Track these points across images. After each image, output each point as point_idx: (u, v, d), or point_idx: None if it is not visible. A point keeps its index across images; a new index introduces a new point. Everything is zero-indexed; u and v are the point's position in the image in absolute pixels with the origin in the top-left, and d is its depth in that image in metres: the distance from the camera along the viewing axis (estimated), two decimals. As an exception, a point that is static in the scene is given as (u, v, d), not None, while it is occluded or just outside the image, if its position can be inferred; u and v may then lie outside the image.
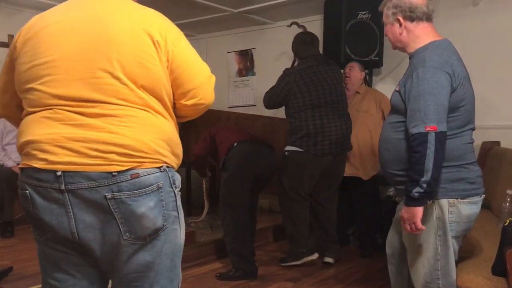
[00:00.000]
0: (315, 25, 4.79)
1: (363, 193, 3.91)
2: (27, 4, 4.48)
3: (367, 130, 3.79)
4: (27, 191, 1.36)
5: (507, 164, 3.09)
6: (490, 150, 3.50)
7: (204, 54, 5.73)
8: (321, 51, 4.52)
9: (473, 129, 1.96)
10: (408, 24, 1.95)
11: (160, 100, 1.40)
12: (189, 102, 1.46)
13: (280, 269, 3.52)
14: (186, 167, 4.78)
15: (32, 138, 1.34)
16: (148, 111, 1.37)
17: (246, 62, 5.57)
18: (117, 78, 1.33)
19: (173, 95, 1.45)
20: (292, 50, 3.72)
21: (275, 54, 5.13)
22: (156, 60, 1.37)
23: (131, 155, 1.32)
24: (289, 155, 3.49)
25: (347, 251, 3.91)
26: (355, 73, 3.96)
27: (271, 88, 3.57)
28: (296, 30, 4.34)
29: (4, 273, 3.06)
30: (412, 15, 1.93)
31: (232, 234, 3.26)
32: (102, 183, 1.30)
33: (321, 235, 3.66)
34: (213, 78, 1.52)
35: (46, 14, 1.44)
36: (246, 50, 5.51)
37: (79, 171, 1.30)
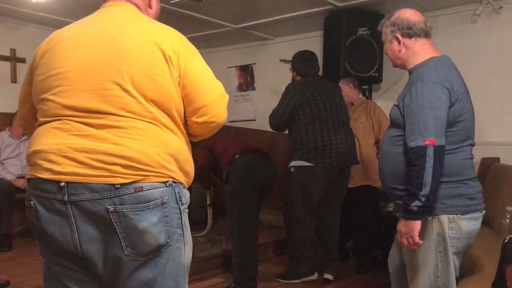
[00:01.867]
0: (315, 41, 4.84)
1: (362, 208, 3.89)
2: (30, 19, 4.51)
3: (355, 138, 3.76)
4: (32, 202, 1.35)
5: (506, 180, 3.09)
6: (489, 166, 3.50)
7: (205, 69, 5.78)
8: (321, 67, 4.55)
9: (473, 144, 1.96)
10: (407, 41, 1.97)
11: (169, 114, 1.39)
12: (200, 120, 1.45)
13: (279, 285, 3.49)
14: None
15: (39, 148, 1.35)
16: (156, 125, 1.36)
17: (247, 77, 5.60)
18: (126, 91, 1.33)
19: (185, 112, 1.44)
20: (293, 67, 3.71)
21: (275, 70, 5.17)
22: (167, 75, 1.36)
23: (136, 167, 1.30)
24: (296, 171, 3.45)
25: (347, 267, 3.88)
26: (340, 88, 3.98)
27: (276, 106, 3.53)
28: (295, 48, 4.36)
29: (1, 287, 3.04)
30: (410, 32, 1.95)
31: (239, 247, 3.24)
32: (105, 195, 1.28)
33: (322, 252, 3.63)
34: (227, 97, 1.51)
35: (64, 29, 1.48)
36: (247, 65, 5.55)
37: (82, 182, 1.29)
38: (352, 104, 4.01)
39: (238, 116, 5.58)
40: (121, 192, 1.29)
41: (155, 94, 1.35)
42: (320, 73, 4.53)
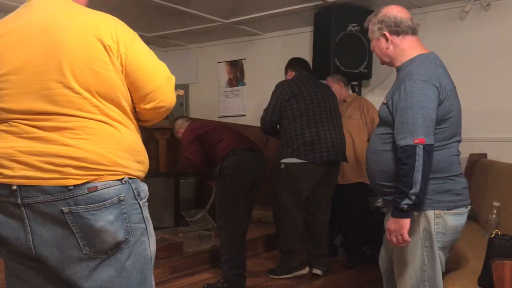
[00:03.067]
0: (304, 37, 4.84)
1: (353, 204, 3.90)
2: None
3: (348, 135, 3.80)
4: None
5: (493, 176, 3.12)
6: (477, 162, 3.53)
7: (194, 64, 5.75)
8: (310, 63, 4.55)
9: (460, 141, 1.98)
10: (394, 39, 1.97)
11: (118, 106, 1.36)
12: (148, 106, 1.42)
13: (268, 280, 3.51)
14: (175, 176, 4.76)
15: None
16: (105, 122, 1.33)
17: (236, 73, 5.59)
18: (69, 88, 1.30)
19: (132, 100, 1.41)
20: (286, 71, 3.78)
21: (265, 65, 5.16)
22: (109, 66, 1.33)
23: (88, 167, 1.29)
24: (286, 168, 3.46)
25: (335, 262, 3.90)
26: (331, 88, 3.97)
27: (267, 106, 3.54)
28: (287, 46, 4.36)
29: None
30: (397, 29, 1.96)
31: (228, 245, 3.23)
32: (58, 197, 1.27)
33: (312, 248, 3.65)
34: (173, 79, 1.47)
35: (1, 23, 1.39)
36: (237, 60, 5.53)
37: (35, 185, 1.27)
38: (345, 101, 4.02)
39: (228, 111, 5.57)
40: (74, 193, 1.28)
41: (100, 87, 1.32)
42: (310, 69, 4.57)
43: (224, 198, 3.25)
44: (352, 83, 4.54)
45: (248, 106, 5.41)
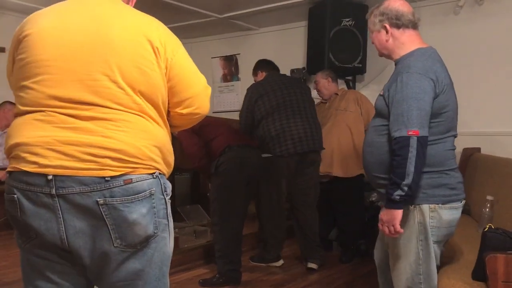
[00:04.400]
0: (299, 31, 4.83)
1: (347, 198, 3.92)
2: (7, 7, 4.43)
3: (347, 127, 3.81)
4: (15, 195, 1.31)
5: (487, 170, 3.14)
6: (471, 156, 3.55)
7: (189, 59, 5.73)
8: (305, 57, 4.57)
9: (455, 136, 1.99)
10: (395, 31, 1.98)
11: (156, 107, 1.39)
12: (184, 111, 1.46)
13: (263, 275, 3.52)
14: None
15: (23, 141, 1.30)
16: (143, 117, 1.35)
17: (231, 68, 5.58)
18: (114, 82, 1.31)
19: (168, 103, 1.45)
20: (254, 73, 3.86)
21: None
22: (155, 67, 1.36)
23: (125, 160, 1.30)
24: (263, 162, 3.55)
25: (331, 256, 3.92)
26: (320, 84, 4.02)
27: (240, 111, 3.70)
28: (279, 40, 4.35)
29: (-18, 280, 3.00)
30: (398, 23, 1.96)
31: (223, 242, 3.24)
32: (95, 188, 1.27)
33: (303, 240, 3.66)
34: (209, 89, 1.53)
35: (43, 13, 1.40)
36: (231, 55, 5.52)
37: (71, 176, 1.27)
38: (336, 94, 4.02)
39: (222, 106, 5.56)
40: (111, 184, 1.28)
41: (143, 86, 1.35)
42: (304, 63, 4.58)
43: (220, 195, 3.25)
44: (347, 77, 4.55)
45: (242, 101, 5.40)
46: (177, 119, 1.49)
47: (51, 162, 1.27)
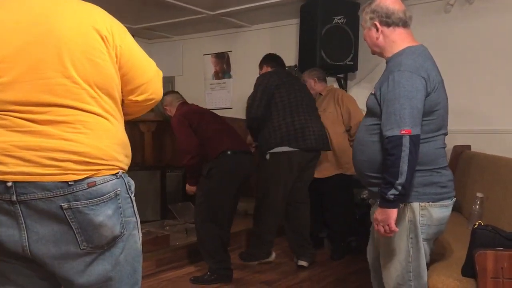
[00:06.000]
0: (291, 29, 4.83)
1: (336, 196, 3.93)
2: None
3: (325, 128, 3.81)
4: None
5: (477, 167, 3.16)
6: (461, 154, 3.58)
7: (180, 56, 5.71)
8: (297, 55, 4.57)
9: (446, 134, 2.00)
10: (385, 29, 1.98)
11: (112, 98, 1.36)
12: (139, 98, 1.44)
13: (255, 272, 3.52)
14: (161, 169, 4.73)
15: None
16: (101, 115, 1.32)
17: (223, 65, 5.56)
18: (68, 77, 1.26)
19: (122, 92, 1.41)
20: (261, 67, 3.76)
21: (251, 57, 5.13)
22: (106, 56, 1.32)
23: (89, 162, 1.27)
24: (272, 157, 3.42)
25: (321, 254, 3.93)
26: (305, 82, 3.98)
27: (251, 97, 3.44)
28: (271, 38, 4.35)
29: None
30: (388, 21, 1.96)
31: (206, 246, 3.21)
32: (58, 193, 1.24)
33: (295, 239, 3.66)
34: (161, 73, 1.50)
35: None
36: (223, 52, 5.50)
37: (33, 181, 1.23)
38: (320, 94, 4.03)
39: (214, 104, 5.55)
40: (74, 188, 1.25)
41: (97, 78, 1.30)
42: (296, 61, 4.58)
43: (208, 199, 3.19)
44: (338, 75, 4.56)
45: (234, 99, 5.39)
46: (132, 107, 1.46)
47: (10, 169, 1.23)
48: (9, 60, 1.25)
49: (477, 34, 3.87)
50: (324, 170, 3.85)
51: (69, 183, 1.25)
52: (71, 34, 1.28)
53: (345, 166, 3.80)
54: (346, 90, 4.46)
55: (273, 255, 3.68)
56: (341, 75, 4.56)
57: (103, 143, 1.30)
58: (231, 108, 5.38)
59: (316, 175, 3.78)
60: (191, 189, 3.38)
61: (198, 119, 3.26)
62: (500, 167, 2.83)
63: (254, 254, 3.63)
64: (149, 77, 1.44)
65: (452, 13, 4.01)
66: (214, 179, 3.16)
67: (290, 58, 4.76)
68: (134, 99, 1.43)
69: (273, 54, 3.83)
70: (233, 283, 3.27)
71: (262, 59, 3.80)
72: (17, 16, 1.28)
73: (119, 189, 1.34)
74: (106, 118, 1.34)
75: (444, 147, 1.99)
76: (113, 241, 1.35)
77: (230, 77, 5.50)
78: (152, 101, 1.48)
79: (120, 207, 1.35)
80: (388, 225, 1.86)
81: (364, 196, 3.99)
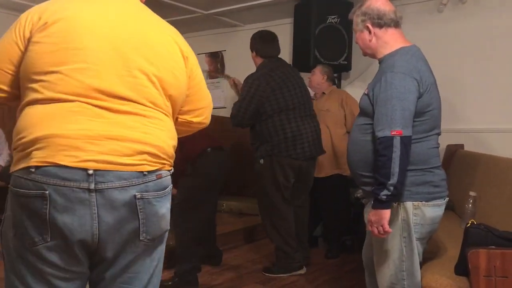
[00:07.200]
0: (285, 28, 4.83)
1: (332, 195, 3.94)
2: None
3: (326, 128, 3.80)
4: (47, 192, 1.22)
5: (470, 166, 3.18)
6: (454, 153, 3.60)
7: (174, 56, 5.70)
8: (291, 54, 4.56)
9: (439, 134, 2.01)
10: (377, 31, 1.98)
11: (175, 111, 1.45)
12: (195, 119, 1.54)
13: (249, 272, 3.52)
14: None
15: (58, 132, 1.22)
16: (169, 117, 1.41)
17: (217, 64, 5.56)
18: (152, 82, 1.33)
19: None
20: (252, 48, 3.49)
21: (245, 57, 5.11)
22: (184, 74, 1.42)
23: (159, 156, 1.34)
24: (266, 162, 3.35)
25: (316, 253, 3.94)
26: (315, 76, 4.01)
27: (239, 100, 3.34)
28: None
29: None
30: (380, 22, 1.97)
31: (186, 244, 3.08)
32: (133, 182, 1.28)
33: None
34: (212, 105, 1.62)
35: (73, 2, 1.34)
36: (217, 52, 5.50)
37: (112, 170, 1.25)
38: (323, 93, 4.03)
39: (208, 103, 5.54)
40: (147, 179, 1.30)
41: (174, 90, 1.39)
42: (290, 60, 4.57)
43: (190, 196, 3.08)
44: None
45: (228, 98, 5.39)
46: (183, 126, 1.54)
47: (93, 157, 1.23)
48: (102, 51, 1.28)
49: (470, 34, 3.89)
50: (323, 169, 3.86)
51: (144, 173, 1.30)
52: (161, 44, 1.37)
53: (344, 167, 3.80)
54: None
55: (304, 269, 3.47)
56: (335, 75, 4.56)
57: (169, 142, 1.38)
58: (225, 108, 5.38)
59: (315, 174, 3.77)
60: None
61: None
62: (493, 166, 2.84)
63: (283, 266, 3.43)
64: (208, 103, 1.57)
65: (445, 12, 4.03)
66: (196, 177, 3.09)
67: (284, 57, 4.72)
68: (189, 119, 1.53)
69: (268, 34, 3.51)
70: (229, 282, 3.27)
71: (255, 40, 3.47)
72: (110, 13, 1.34)
73: (171, 185, 1.41)
74: (172, 122, 1.44)
75: (437, 147, 2.00)
76: (163, 235, 1.40)
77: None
78: (203, 125, 1.59)
79: (170, 202, 1.42)
80: (381, 226, 1.87)
81: (359, 195, 4.00)
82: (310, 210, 3.90)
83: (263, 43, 3.46)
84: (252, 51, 3.51)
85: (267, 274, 3.44)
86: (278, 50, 3.53)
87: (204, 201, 3.15)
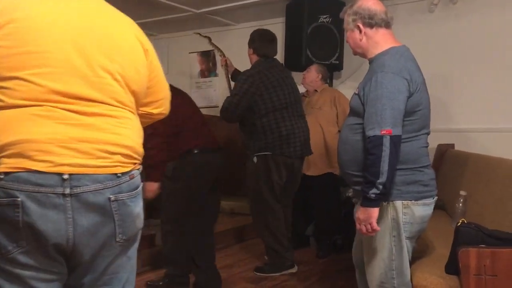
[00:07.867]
0: (277, 28, 4.81)
1: (322, 194, 3.94)
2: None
3: (318, 126, 3.81)
4: (19, 199, 1.18)
5: (460, 166, 3.20)
6: (445, 153, 3.61)
7: (166, 55, 5.67)
8: (282, 54, 4.56)
9: (428, 133, 2.02)
10: (368, 31, 1.99)
11: (138, 105, 1.43)
12: (155, 111, 1.53)
13: (240, 272, 3.52)
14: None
15: (28, 137, 1.19)
16: (135, 115, 1.40)
17: (209, 63, 5.54)
18: (117, 80, 1.31)
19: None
20: (250, 44, 3.46)
21: (237, 56, 5.12)
22: (145, 67, 1.40)
23: (132, 156, 1.34)
24: (260, 160, 3.33)
25: (307, 252, 3.94)
26: (310, 74, 4.02)
27: (231, 95, 3.33)
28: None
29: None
30: (371, 22, 1.98)
31: (176, 247, 2.97)
32: (107, 185, 1.26)
33: None
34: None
35: (28, 1, 1.28)
36: (209, 51, 5.48)
37: (87, 174, 1.23)
38: (316, 91, 4.04)
39: (200, 102, 5.50)
40: (120, 180, 1.30)
41: (137, 85, 1.37)
42: (282, 60, 4.57)
43: (175, 199, 2.89)
44: (324, 74, 4.57)
45: (221, 97, 5.37)
46: (144, 118, 1.51)
47: (67, 161, 1.21)
48: (62, 52, 1.24)
49: (461, 34, 3.92)
50: (315, 168, 3.86)
51: (118, 175, 1.29)
52: (123, 40, 1.35)
53: (336, 165, 3.79)
54: (331, 89, 4.47)
55: (296, 267, 3.49)
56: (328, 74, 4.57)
57: (139, 140, 1.39)
58: (217, 107, 5.37)
59: (307, 173, 3.78)
60: (153, 187, 2.73)
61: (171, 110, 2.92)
62: (483, 166, 2.86)
63: (273, 266, 3.44)
64: (166, 94, 1.55)
65: (436, 12, 4.05)
66: (181, 180, 2.85)
67: (276, 57, 4.77)
68: (149, 111, 1.52)
69: (268, 34, 3.48)
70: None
71: (254, 37, 3.45)
72: (70, 13, 1.29)
73: (142, 183, 1.40)
74: (138, 120, 1.43)
75: (427, 146, 2.01)
76: (137, 234, 1.40)
77: (216, 75, 5.49)
78: (162, 116, 1.58)
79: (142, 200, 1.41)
80: (370, 224, 1.88)
81: (349, 194, 4.01)
82: (301, 210, 3.90)
83: (262, 42, 3.45)
84: (249, 48, 3.49)
85: (259, 274, 3.45)
86: (275, 51, 3.54)
87: (187, 207, 2.87)
